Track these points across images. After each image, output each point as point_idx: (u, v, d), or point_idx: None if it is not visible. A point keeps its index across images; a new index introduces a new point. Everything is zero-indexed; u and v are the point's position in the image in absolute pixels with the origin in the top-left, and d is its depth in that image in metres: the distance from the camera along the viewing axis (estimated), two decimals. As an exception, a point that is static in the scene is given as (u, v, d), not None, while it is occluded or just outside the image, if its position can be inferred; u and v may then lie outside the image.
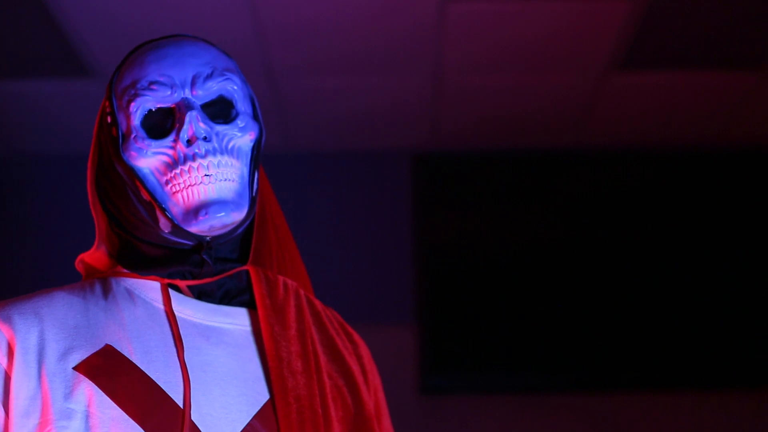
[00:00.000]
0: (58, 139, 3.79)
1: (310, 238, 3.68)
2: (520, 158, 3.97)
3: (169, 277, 1.32)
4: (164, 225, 1.30)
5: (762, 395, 3.77)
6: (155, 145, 1.30)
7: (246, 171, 1.33)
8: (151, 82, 1.31)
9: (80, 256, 1.42)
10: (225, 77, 1.34)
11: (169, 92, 1.31)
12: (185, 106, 1.30)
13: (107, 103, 1.36)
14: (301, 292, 1.40)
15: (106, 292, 1.33)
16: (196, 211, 1.28)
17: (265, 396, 1.29)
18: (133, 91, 1.32)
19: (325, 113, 3.69)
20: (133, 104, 1.31)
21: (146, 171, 1.30)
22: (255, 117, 1.37)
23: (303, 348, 1.33)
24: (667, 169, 3.97)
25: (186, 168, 1.28)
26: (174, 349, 1.27)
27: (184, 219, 1.29)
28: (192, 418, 1.23)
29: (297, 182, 3.90)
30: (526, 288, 3.85)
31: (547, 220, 3.91)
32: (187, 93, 1.31)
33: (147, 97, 1.31)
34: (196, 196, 1.28)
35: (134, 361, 1.25)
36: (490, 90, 3.56)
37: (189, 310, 1.32)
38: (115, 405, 1.22)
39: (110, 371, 1.24)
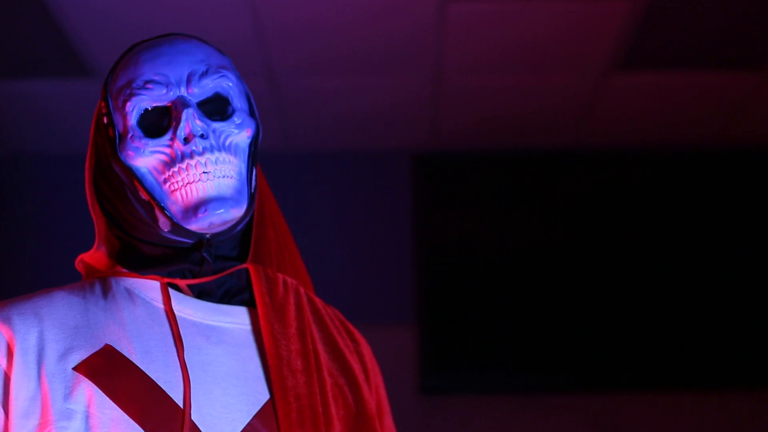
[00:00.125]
0: (58, 139, 3.79)
1: (310, 238, 3.67)
2: (520, 158, 3.97)
3: (169, 276, 1.32)
4: (163, 224, 1.29)
5: (762, 395, 3.77)
6: (152, 144, 1.29)
7: (244, 168, 1.32)
8: (147, 81, 1.31)
9: (80, 256, 1.42)
10: (220, 74, 1.34)
11: (164, 91, 1.31)
12: (181, 104, 1.30)
13: (103, 104, 1.36)
14: (301, 290, 1.40)
15: (106, 291, 1.33)
16: (196, 208, 1.28)
17: (265, 395, 1.28)
18: (128, 91, 1.32)
19: (325, 113, 3.69)
20: (129, 104, 1.31)
21: (144, 170, 1.30)
22: (251, 114, 1.37)
23: (303, 346, 1.33)
24: (667, 169, 3.97)
25: (184, 166, 1.28)
26: (174, 349, 1.27)
27: (183, 217, 1.28)
28: (192, 417, 1.23)
29: (297, 182, 3.90)
30: (526, 288, 3.85)
31: (547, 220, 3.91)
32: (183, 91, 1.31)
33: (143, 97, 1.31)
34: (194, 193, 1.28)
35: (134, 361, 1.25)
36: (490, 90, 3.56)
37: (189, 309, 1.31)
38: (115, 405, 1.21)
39: (110, 371, 1.23)
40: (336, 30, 3.16)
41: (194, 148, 1.28)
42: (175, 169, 1.29)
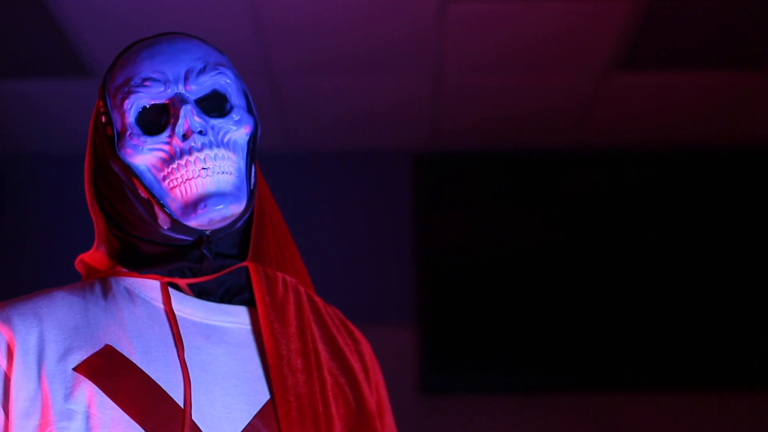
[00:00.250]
0: (58, 139, 3.79)
1: (310, 238, 3.67)
2: (520, 158, 3.97)
3: (169, 275, 1.32)
4: (163, 221, 1.29)
5: (762, 395, 3.77)
6: (151, 142, 1.29)
7: (243, 164, 1.32)
8: (144, 79, 1.31)
9: (80, 257, 1.42)
10: (218, 71, 1.34)
11: (162, 88, 1.31)
12: (179, 101, 1.30)
13: (101, 103, 1.36)
14: (301, 289, 1.40)
15: (106, 292, 1.33)
16: (195, 204, 1.28)
17: (265, 395, 1.28)
18: (126, 89, 1.32)
19: (325, 113, 3.69)
20: (127, 102, 1.31)
21: (143, 168, 1.30)
22: (249, 111, 1.37)
23: (303, 345, 1.33)
24: (667, 169, 3.96)
25: (183, 162, 1.28)
26: (174, 349, 1.27)
27: (183, 213, 1.28)
28: (193, 417, 1.22)
29: (297, 182, 3.90)
30: (526, 288, 3.85)
31: (547, 220, 3.91)
32: (181, 88, 1.31)
33: (141, 94, 1.31)
34: (194, 189, 1.28)
35: (134, 361, 1.25)
36: (490, 90, 3.56)
37: (189, 309, 1.31)
38: (115, 405, 1.21)
39: (110, 371, 1.23)
40: (336, 30, 3.16)
41: (193, 144, 1.28)
42: (174, 165, 1.28)
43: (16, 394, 1.23)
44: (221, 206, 1.28)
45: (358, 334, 1.47)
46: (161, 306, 1.31)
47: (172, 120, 1.30)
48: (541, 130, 3.85)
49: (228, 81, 1.35)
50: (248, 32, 3.15)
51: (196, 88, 1.32)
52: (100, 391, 1.22)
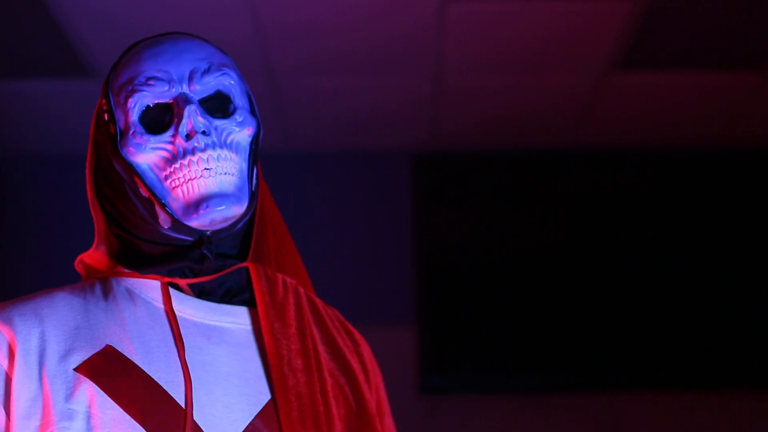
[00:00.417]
0: (58, 139, 3.79)
1: (310, 238, 3.68)
2: (520, 158, 3.97)
3: (170, 274, 1.32)
4: (164, 221, 1.29)
5: (762, 395, 3.77)
6: (154, 141, 1.29)
7: (245, 166, 1.32)
8: (149, 78, 1.31)
9: (80, 257, 1.42)
10: (222, 72, 1.34)
11: (166, 87, 1.31)
12: (183, 100, 1.30)
13: (104, 101, 1.36)
14: (301, 290, 1.40)
15: (107, 292, 1.33)
16: (197, 204, 1.27)
17: (266, 395, 1.28)
18: (130, 87, 1.32)
19: (325, 113, 3.69)
20: (130, 100, 1.31)
21: (145, 167, 1.30)
22: (252, 112, 1.37)
23: (303, 345, 1.33)
24: (667, 169, 3.97)
25: (186, 162, 1.28)
26: (175, 349, 1.27)
27: (184, 213, 1.28)
28: (194, 418, 1.23)
29: (297, 182, 3.90)
30: (526, 288, 3.85)
31: (547, 221, 3.91)
32: (185, 88, 1.31)
33: (145, 93, 1.31)
34: (196, 189, 1.28)
35: (135, 362, 1.25)
36: (490, 90, 3.56)
37: (190, 309, 1.31)
38: (116, 405, 1.21)
39: (111, 372, 1.23)
40: (336, 30, 3.16)
41: (196, 144, 1.28)
42: (177, 165, 1.28)
43: (17, 394, 1.23)
44: (223, 207, 1.28)
45: (357, 335, 1.47)
46: (162, 306, 1.31)
47: (176, 119, 1.30)
48: (541, 130, 3.85)
49: (232, 82, 1.35)
50: (248, 32, 3.15)
51: (200, 89, 1.32)
52: (101, 391, 1.22)
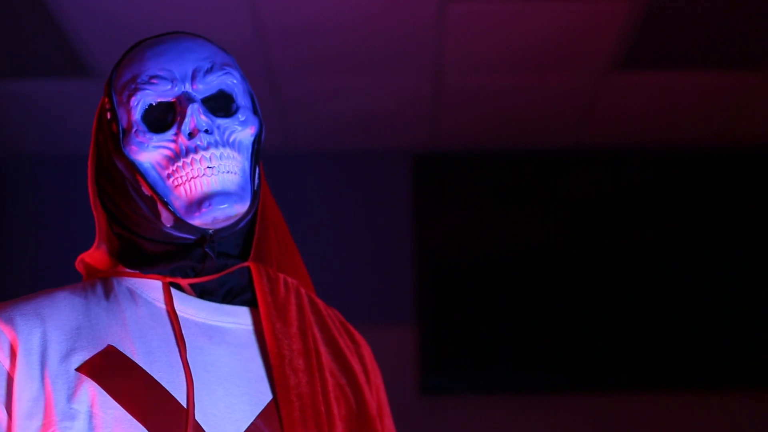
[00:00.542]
0: (58, 139, 3.79)
1: (310, 238, 3.68)
2: (520, 158, 3.98)
3: (171, 274, 1.32)
4: (166, 219, 1.29)
5: (762, 395, 3.77)
6: (156, 139, 1.29)
7: (247, 165, 1.32)
8: (152, 77, 1.31)
9: (80, 256, 1.42)
10: (225, 71, 1.34)
11: (169, 86, 1.31)
12: (186, 99, 1.30)
13: (106, 100, 1.36)
14: (302, 290, 1.40)
15: (108, 292, 1.33)
16: (200, 202, 1.28)
17: (268, 395, 1.29)
18: (133, 86, 1.32)
19: (325, 113, 3.69)
20: (133, 99, 1.31)
21: (147, 165, 1.30)
22: (255, 112, 1.37)
23: (305, 346, 1.33)
24: (667, 169, 3.97)
25: (188, 160, 1.28)
26: (176, 349, 1.27)
27: (186, 212, 1.28)
28: (196, 418, 1.23)
29: (297, 182, 3.90)
30: (526, 288, 3.85)
31: (547, 220, 3.91)
32: (188, 87, 1.31)
33: (147, 92, 1.31)
34: (198, 188, 1.28)
35: (137, 362, 1.25)
36: (490, 90, 3.56)
37: (191, 309, 1.31)
38: (118, 405, 1.21)
39: (113, 372, 1.23)
40: (336, 30, 3.16)
41: (199, 143, 1.28)
42: (179, 163, 1.29)
43: (19, 394, 1.23)
44: (225, 205, 1.28)
45: (358, 336, 1.47)
46: (163, 306, 1.31)
47: (179, 118, 1.30)
48: (541, 130, 3.85)
49: (234, 81, 1.35)
50: (248, 32, 3.15)
51: (203, 88, 1.32)
52: (103, 391, 1.22)
